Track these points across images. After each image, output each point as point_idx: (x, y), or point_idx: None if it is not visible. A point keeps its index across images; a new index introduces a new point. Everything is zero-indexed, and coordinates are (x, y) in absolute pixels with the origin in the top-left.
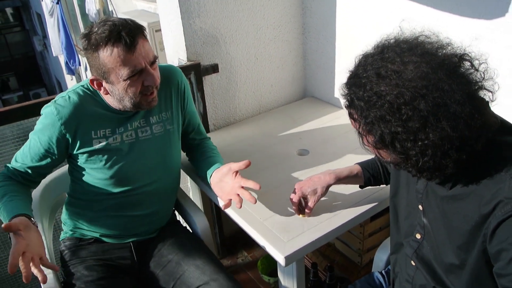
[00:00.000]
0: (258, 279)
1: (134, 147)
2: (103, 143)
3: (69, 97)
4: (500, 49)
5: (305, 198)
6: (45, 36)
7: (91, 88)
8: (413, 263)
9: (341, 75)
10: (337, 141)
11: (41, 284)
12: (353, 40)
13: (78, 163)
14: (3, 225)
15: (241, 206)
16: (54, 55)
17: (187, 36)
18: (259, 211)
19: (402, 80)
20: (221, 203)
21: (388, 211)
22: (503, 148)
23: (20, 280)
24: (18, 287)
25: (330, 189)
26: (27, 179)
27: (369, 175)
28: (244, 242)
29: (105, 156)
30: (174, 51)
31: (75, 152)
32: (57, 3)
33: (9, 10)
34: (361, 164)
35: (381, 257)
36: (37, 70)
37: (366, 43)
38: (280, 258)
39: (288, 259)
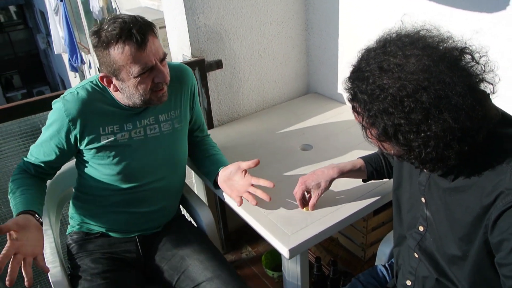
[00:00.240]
0: (262, 273)
1: (142, 144)
2: (111, 139)
3: (77, 92)
4: (501, 42)
5: (308, 192)
6: (48, 34)
7: (100, 84)
8: (416, 255)
9: (344, 71)
10: (340, 136)
11: (49, 277)
12: (355, 36)
13: (86, 158)
14: None
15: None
16: (56, 53)
17: (191, 32)
18: (263, 205)
19: (404, 73)
20: (232, 201)
21: (391, 206)
22: (504, 140)
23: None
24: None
25: (334, 183)
26: (41, 172)
27: (372, 169)
28: (248, 237)
29: (113, 152)
30: (178, 47)
31: (83, 147)
32: (61, 0)
33: (12, 8)
34: (364, 158)
35: (384, 250)
36: (40, 68)
37: (368, 38)
38: (284, 251)
39: (292, 251)
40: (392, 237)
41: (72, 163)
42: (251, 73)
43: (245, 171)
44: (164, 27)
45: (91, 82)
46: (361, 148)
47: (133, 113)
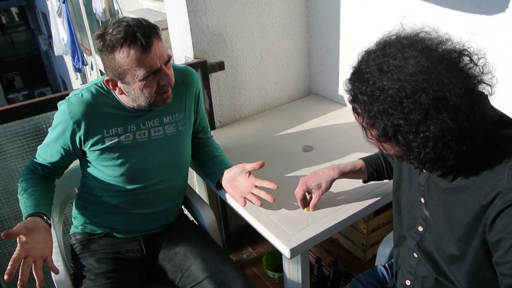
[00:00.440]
0: (263, 274)
1: (146, 146)
2: (115, 141)
3: (82, 94)
4: (501, 44)
5: (309, 192)
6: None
7: (104, 87)
8: (416, 255)
9: (345, 73)
10: (341, 137)
11: (52, 276)
12: (356, 39)
13: (90, 159)
14: (2, 234)
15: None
16: (56, 54)
17: (194, 34)
18: (264, 205)
19: (404, 75)
20: (235, 202)
21: (391, 207)
22: (502, 141)
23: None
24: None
25: (334, 184)
26: (48, 172)
27: (372, 169)
28: (249, 238)
29: (117, 154)
30: (181, 49)
31: (87, 149)
32: (63, 2)
33: (14, 10)
34: (364, 159)
35: (384, 251)
36: (42, 69)
37: (369, 41)
38: (285, 251)
39: (293, 251)
40: (392, 238)
41: (75, 163)
42: (253, 75)
43: (249, 172)
44: (166, 28)
45: (96, 84)
46: (361, 149)
47: (137, 115)
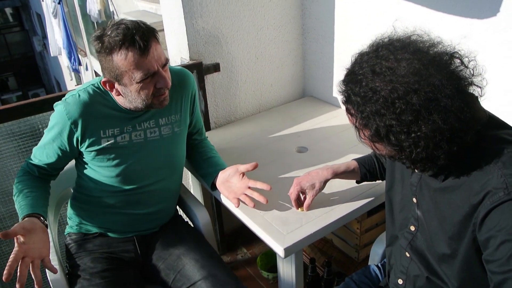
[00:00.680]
0: (257, 275)
1: (141, 147)
2: (111, 142)
3: (79, 95)
4: (491, 47)
5: (303, 192)
6: (44, 36)
7: (101, 87)
8: (408, 255)
9: (339, 75)
10: (334, 139)
11: (47, 276)
12: (351, 41)
13: (86, 160)
14: (0, 234)
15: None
16: (52, 55)
17: (189, 35)
18: (259, 206)
19: (396, 76)
20: (229, 202)
21: (384, 208)
22: (491, 141)
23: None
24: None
25: (328, 184)
26: (44, 174)
27: (365, 170)
28: (244, 239)
29: (113, 155)
30: (177, 50)
31: (83, 149)
32: (59, 3)
33: (8, 10)
34: (357, 160)
35: (377, 250)
36: (36, 70)
37: (363, 43)
38: (279, 250)
39: (287, 250)
40: (385, 238)
41: (71, 164)
42: (248, 77)
43: (243, 173)
44: (162, 30)
45: (93, 85)
46: (355, 150)
47: (133, 116)
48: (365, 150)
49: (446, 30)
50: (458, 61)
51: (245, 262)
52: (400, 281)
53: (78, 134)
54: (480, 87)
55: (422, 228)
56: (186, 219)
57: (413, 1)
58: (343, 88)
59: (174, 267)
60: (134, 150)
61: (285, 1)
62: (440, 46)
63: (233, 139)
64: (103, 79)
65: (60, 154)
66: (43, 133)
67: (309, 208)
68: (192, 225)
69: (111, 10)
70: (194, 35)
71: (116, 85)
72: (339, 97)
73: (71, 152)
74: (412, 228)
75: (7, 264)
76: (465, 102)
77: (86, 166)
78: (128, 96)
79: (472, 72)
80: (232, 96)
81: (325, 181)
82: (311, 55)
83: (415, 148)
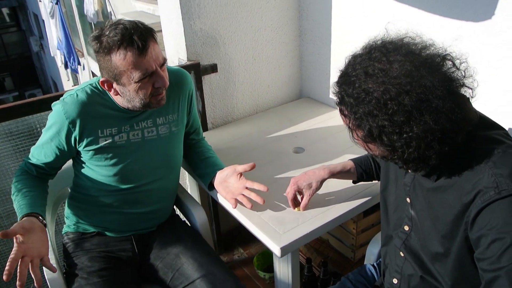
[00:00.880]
0: (254, 275)
1: (139, 147)
2: (109, 141)
3: (77, 95)
4: (482, 50)
5: (300, 192)
6: (41, 36)
7: (99, 87)
8: (402, 254)
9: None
10: (331, 139)
11: (45, 275)
12: (348, 43)
13: (83, 159)
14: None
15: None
16: (52, 55)
17: (187, 36)
18: (256, 205)
19: (388, 78)
20: (226, 202)
21: (380, 208)
22: (482, 141)
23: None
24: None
25: (325, 184)
26: (42, 173)
27: (361, 170)
28: (240, 239)
29: (110, 154)
30: (174, 51)
31: (81, 149)
32: (56, 3)
33: (5, 10)
34: (354, 160)
35: (372, 250)
36: (33, 71)
37: (360, 45)
38: (276, 249)
39: (284, 250)
40: (380, 237)
41: (68, 163)
42: (245, 77)
43: (240, 174)
44: (160, 31)
45: (91, 84)
46: (351, 151)
47: (131, 116)
48: (361, 150)
49: (443, 32)
50: (450, 63)
51: (241, 262)
52: (395, 281)
53: (76, 133)
54: (471, 89)
55: (416, 228)
56: (184, 218)
57: (409, 3)
58: (337, 89)
59: (172, 266)
60: (132, 149)
61: (282, 3)
62: (432, 48)
63: (230, 139)
64: (101, 79)
65: (58, 153)
66: (41, 132)
67: (306, 208)
68: (189, 225)
69: (108, 11)
70: (192, 36)
71: (115, 85)
72: (333, 97)
73: (69, 152)
74: (406, 228)
75: (7, 263)
76: (456, 103)
77: (83, 165)
78: (126, 96)
79: (463, 74)
80: (230, 96)
81: (322, 181)
82: (308, 57)
83: (407, 148)
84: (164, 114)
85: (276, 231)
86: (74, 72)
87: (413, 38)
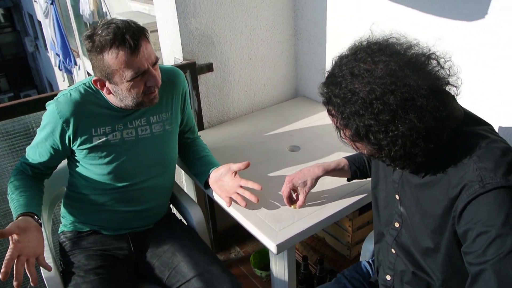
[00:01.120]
0: (250, 273)
1: (133, 145)
2: (103, 140)
3: (70, 94)
4: (466, 48)
5: (295, 190)
6: (36, 37)
7: (92, 87)
8: (394, 251)
9: None
10: (326, 138)
11: (42, 273)
12: (343, 42)
13: (78, 158)
14: None
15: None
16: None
17: (183, 36)
18: (252, 203)
19: (373, 78)
20: (222, 201)
21: None
22: (467, 137)
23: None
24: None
25: (320, 182)
26: (38, 173)
27: (355, 168)
28: (237, 237)
29: (104, 153)
30: (170, 50)
31: (75, 148)
32: (52, 3)
33: (0, 11)
34: (348, 158)
35: (368, 247)
36: (28, 71)
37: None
38: (272, 246)
39: (280, 247)
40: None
41: (64, 163)
42: (241, 77)
43: (235, 172)
44: (155, 31)
45: (84, 84)
46: (346, 149)
47: (124, 115)
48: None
49: (440, 32)
50: (435, 62)
51: (238, 260)
52: (388, 277)
53: (70, 132)
54: (456, 87)
55: (406, 224)
56: (180, 217)
57: (404, 3)
58: (324, 90)
59: (169, 264)
60: (126, 148)
61: (278, 2)
62: (417, 48)
63: (226, 138)
64: (94, 78)
65: (53, 152)
66: (36, 132)
67: (301, 205)
68: (185, 223)
69: (104, 10)
70: (187, 35)
71: (107, 84)
72: (321, 98)
73: (63, 151)
74: (397, 224)
75: (4, 263)
76: (441, 101)
77: (78, 164)
78: (119, 95)
79: (448, 72)
80: (225, 96)
81: (317, 178)
82: (303, 56)
83: (393, 146)
84: (158, 113)
85: (272, 229)
86: (68, 73)
87: (398, 38)
